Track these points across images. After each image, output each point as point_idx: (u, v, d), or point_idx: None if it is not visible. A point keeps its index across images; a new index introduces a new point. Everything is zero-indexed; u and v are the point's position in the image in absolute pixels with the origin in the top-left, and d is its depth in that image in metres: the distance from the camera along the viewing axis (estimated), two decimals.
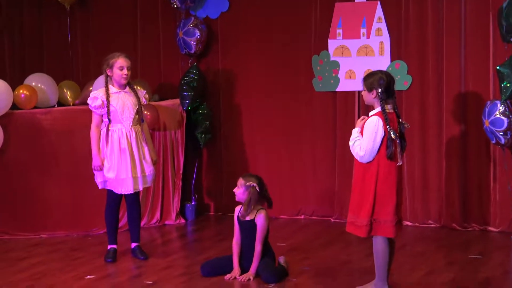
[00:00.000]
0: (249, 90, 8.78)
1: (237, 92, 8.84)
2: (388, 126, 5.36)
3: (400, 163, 5.45)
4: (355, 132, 5.53)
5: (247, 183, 6.22)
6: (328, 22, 8.28)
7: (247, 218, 6.25)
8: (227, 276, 6.20)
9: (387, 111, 5.41)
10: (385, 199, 5.44)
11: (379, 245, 5.53)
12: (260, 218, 6.21)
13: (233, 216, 6.41)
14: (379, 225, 5.46)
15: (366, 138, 5.41)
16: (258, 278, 6.14)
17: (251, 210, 6.23)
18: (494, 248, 7.10)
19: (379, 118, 5.40)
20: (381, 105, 5.43)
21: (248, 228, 6.24)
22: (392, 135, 5.36)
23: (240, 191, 6.24)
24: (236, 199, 6.30)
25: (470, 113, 7.76)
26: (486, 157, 7.72)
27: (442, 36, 7.83)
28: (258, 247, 6.20)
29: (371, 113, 5.51)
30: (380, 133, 5.38)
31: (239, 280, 6.14)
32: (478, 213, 7.79)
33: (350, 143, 5.53)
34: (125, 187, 6.76)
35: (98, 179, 6.84)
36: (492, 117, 7.19)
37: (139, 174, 6.79)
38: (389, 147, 5.38)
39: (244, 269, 6.24)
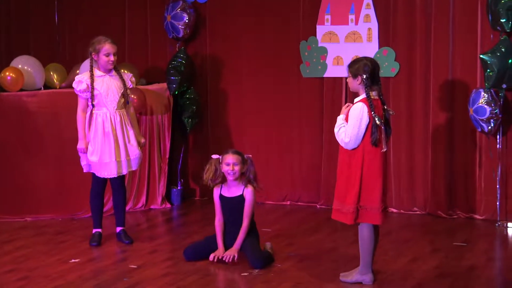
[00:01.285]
0: (237, 75, 8.76)
1: (224, 77, 8.82)
2: (373, 113, 5.36)
3: (385, 149, 5.46)
4: (340, 119, 5.53)
5: (246, 156, 6.24)
6: (317, 8, 8.26)
7: (234, 195, 6.24)
8: (212, 256, 6.18)
9: (372, 97, 5.42)
10: (371, 186, 5.44)
11: (364, 232, 5.54)
12: (248, 192, 6.22)
13: None
14: (366, 212, 5.47)
15: (351, 124, 5.41)
16: (244, 263, 6.13)
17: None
18: (479, 236, 7.13)
19: (364, 104, 5.40)
20: (366, 91, 5.43)
21: (236, 205, 6.23)
22: (377, 121, 5.36)
23: (239, 167, 6.20)
24: (233, 178, 6.23)
25: (457, 101, 7.77)
26: (472, 145, 7.74)
27: (430, 24, 7.82)
28: (245, 222, 6.20)
29: (356, 99, 5.51)
30: (365, 119, 5.38)
31: (225, 259, 6.11)
32: (464, 201, 7.81)
33: (335, 130, 5.52)
34: (108, 171, 6.74)
35: (83, 162, 6.82)
36: (475, 105, 7.23)
37: (123, 158, 6.76)
38: (374, 133, 5.38)
39: (228, 248, 6.22)
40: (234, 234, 6.24)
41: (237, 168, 6.20)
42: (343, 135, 5.45)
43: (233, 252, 6.16)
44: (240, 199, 6.23)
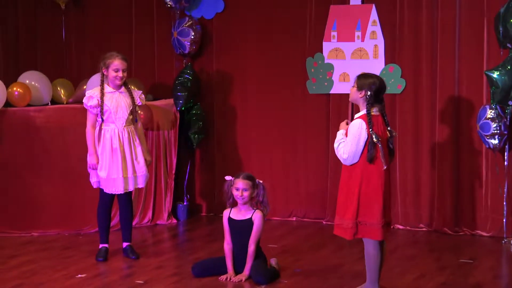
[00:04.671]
0: (243, 92, 8.78)
1: (230, 93, 8.84)
2: (371, 130, 5.37)
3: (385, 168, 5.44)
4: (340, 134, 5.55)
5: (257, 181, 6.22)
6: (323, 25, 8.28)
7: (243, 218, 6.24)
8: (221, 277, 6.19)
9: (372, 113, 5.43)
10: (370, 202, 5.44)
11: (370, 248, 5.54)
12: (257, 217, 6.20)
13: None
14: (365, 228, 5.47)
15: (350, 141, 5.43)
16: (250, 280, 6.14)
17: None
18: (485, 253, 7.11)
19: (362, 121, 5.42)
20: (367, 107, 5.45)
21: (244, 228, 6.21)
22: (374, 139, 5.37)
23: (248, 193, 6.18)
24: (242, 202, 6.22)
25: (463, 118, 7.78)
26: (478, 162, 7.74)
27: (436, 40, 7.84)
28: (251, 247, 6.18)
29: (356, 115, 5.53)
30: (363, 136, 5.39)
31: (232, 280, 6.13)
32: (470, 218, 7.80)
33: (335, 145, 5.55)
34: (116, 187, 6.75)
35: (93, 179, 6.83)
36: (481, 121, 7.24)
37: (130, 174, 6.78)
38: (370, 151, 5.39)
39: (237, 272, 6.23)
40: (240, 258, 6.23)
41: (246, 193, 6.18)
42: (341, 151, 5.48)
43: (242, 277, 6.15)
44: (249, 222, 6.22)
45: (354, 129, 5.43)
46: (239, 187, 6.18)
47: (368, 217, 5.45)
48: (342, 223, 5.53)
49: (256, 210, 6.23)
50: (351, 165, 5.47)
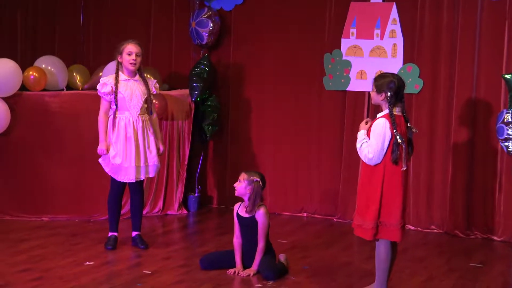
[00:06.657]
0: (259, 85, 8.75)
1: (246, 86, 8.81)
2: (395, 130, 5.31)
3: (405, 168, 5.40)
4: (362, 134, 5.48)
5: (251, 177, 6.19)
6: (342, 21, 8.24)
7: (247, 215, 6.22)
8: (229, 271, 6.18)
9: (394, 114, 5.37)
10: (391, 202, 5.40)
11: (381, 248, 5.49)
12: (260, 215, 6.17)
13: None
14: (385, 228, 5.42)
15: (374, 140, 5.36)
16: (258, 275, 6.12)
17: (256, 205, 6.19)
18: (496, 258, 7.06)
19: (386, 120, 5.36)
20: (389, 108, 5.39)
21: (249, 225, 6.20)
22: (399, 140, 5.31)
23: (242, 185, 6.20)
24: (236, 193, 6.24)
25: (480, 121, 7.72)
26: (493, 166, 7.68)
27: (456, 42, 7.78)
28: (260, 243, 6.17)
29: (378, 115, 5.47)
30: (388, 135, 5.33)
31: (240, 275, 6.11)
32: (482, 221, 7.76)
33: (357, 145, 5.47)
34: (127, 176, 6.73)
35: (107, 169, 6.79)
36: (497, 125, 7.18)
37: (142, 163, 6.76)
38: (395, 151, 5.33)
39: (245, 267, 6.21)
40: (248, 253, 6.22)
41: (239, 184, 6.20)
42: (366, 151, 5.41)
43: (250, 271, 6.14)
44: (253, 220, 6.20)
45: (379, 128, 5.37)
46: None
47: (389, 217, 5.40)
48: (363, 223, 5.48)
49: (259, 207, 6.19)
50: (374, 165, 5.42)
